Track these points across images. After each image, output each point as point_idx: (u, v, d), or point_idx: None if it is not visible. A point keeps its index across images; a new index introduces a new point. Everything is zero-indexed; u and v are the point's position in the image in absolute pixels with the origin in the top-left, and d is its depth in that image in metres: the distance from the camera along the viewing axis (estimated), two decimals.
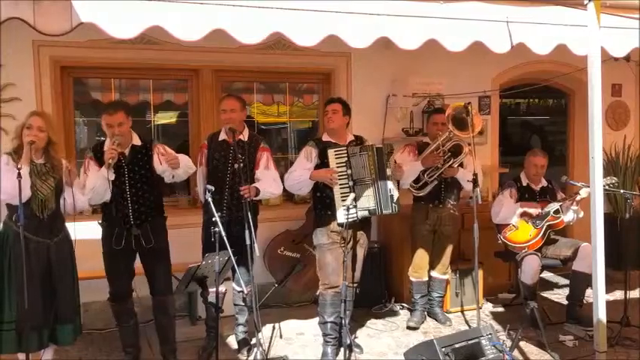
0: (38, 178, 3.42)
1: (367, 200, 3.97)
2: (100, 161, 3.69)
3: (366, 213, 4.00)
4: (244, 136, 4.09)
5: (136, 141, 3.82)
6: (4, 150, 3.58)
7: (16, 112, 4.41)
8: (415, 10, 3.46)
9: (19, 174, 3.10)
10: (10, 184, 3.21)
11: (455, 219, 4.82)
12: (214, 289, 3.41)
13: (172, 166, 3.75)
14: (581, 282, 4.56)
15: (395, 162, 4.23)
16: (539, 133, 8.81)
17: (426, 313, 4.95)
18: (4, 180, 3.26)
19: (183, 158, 3.87)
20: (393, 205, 3.98)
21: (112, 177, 3.61)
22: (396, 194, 3.99)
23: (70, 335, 3.59)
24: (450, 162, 4.53)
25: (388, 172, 3.99)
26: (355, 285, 4.19)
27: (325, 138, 4.15)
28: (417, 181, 4.56)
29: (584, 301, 4.64)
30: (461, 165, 4.62)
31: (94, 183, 3.63)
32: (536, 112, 8.74)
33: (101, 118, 3.74)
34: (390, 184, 3.97)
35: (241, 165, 3.87)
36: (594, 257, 3.35)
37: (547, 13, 3.70)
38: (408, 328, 4.75)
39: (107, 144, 3.72)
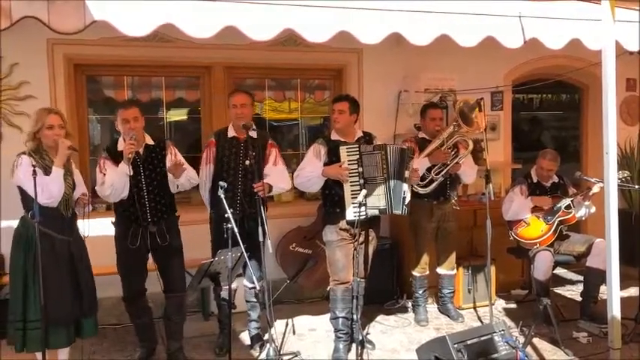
0: None
1: (378, 199, 3.95)
2: (114, 160, 3.71)
3: (376, 212, 3.98)
4: (254, 132, 4.07)
5: (149, 141, 3.87)
6: (8, 148, 3.57)
7: (30, 110, 4.44)
8: (427, 6, 3.45)
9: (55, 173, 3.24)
10: (56, 188, 3.26)
11: (456, 214, 4.82)
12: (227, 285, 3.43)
13: (174, 173, 3.75)
14: (595, 278, 4.53)
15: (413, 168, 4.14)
16: (552, 129, 8.72)
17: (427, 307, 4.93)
18: (49, 185, 3.26)
19: (188, 170, 3.87)
20: (404, 207, 3.95)
21: (131, 172, 3.63)
22: (408, 197, 3.96)
23: (93, 327, 3.60)
24: (458, 158, 4.50)
25: (406, 174, 3.94)
26: (363, 280, 4.15)
27: (334, 136, 4.12)
28: (422, 178, 4.48)
29: (599, 298, 4.61)
30: None
31: (112, 179, 3.65)
32: (549, 107, 8.65)
33: (116, 115, 3.78)
34: (405, 187, 3.93)
35: (252, 161, 3.88)
36: (608, 253, 3.33)
37: (560, 8, 3.68)
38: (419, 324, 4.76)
39: (121, 142, 3.75)
